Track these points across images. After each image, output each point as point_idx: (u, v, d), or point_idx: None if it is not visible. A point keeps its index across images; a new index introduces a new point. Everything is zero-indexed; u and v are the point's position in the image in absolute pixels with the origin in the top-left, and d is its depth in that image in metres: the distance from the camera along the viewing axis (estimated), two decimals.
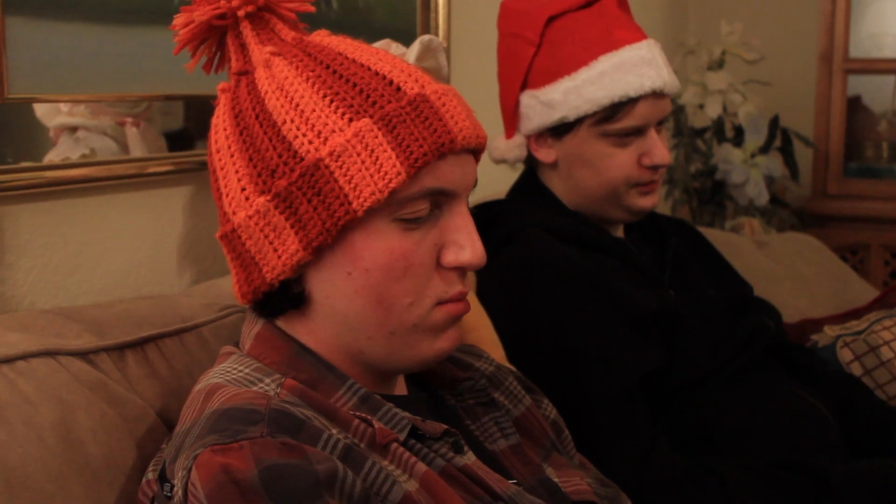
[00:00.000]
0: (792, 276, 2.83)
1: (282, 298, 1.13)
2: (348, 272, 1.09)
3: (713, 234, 2.65)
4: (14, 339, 1.20)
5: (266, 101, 1.11)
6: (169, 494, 1.05)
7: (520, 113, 1.88)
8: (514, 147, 1.89)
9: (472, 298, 1.74)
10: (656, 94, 1.80)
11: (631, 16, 1.90)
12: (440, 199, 1.11)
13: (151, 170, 1.60)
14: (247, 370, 1.12)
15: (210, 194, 1.19)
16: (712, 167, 3.39)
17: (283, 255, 1.08)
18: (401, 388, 1.23)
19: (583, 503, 1.26)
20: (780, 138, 3.51)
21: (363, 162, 1.05)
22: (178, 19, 1.17)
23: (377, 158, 1.05)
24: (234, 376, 1.11)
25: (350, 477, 0.99)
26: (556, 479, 1.27)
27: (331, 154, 1.06)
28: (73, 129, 1.51)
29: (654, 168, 1.84)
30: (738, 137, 3.42)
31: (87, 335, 1.26)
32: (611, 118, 1.79)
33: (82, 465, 1.14)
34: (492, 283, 1.79)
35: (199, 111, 1.70)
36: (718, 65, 3.44)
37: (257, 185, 1.09)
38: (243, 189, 1.10)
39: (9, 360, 1.16)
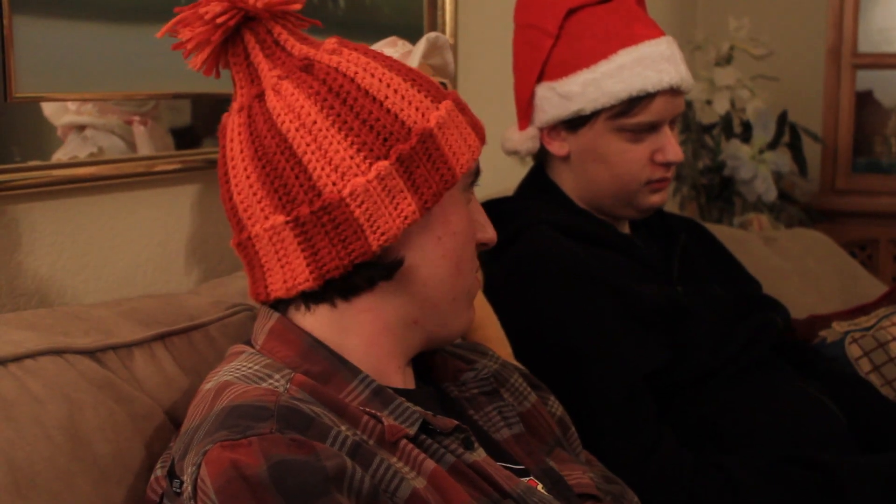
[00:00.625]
0: (800, 271, 2.83)
1: (377, 269, 1.15)
2: (439, 237, 1.17)
3: (721, 231, 2.65)
4: (22, 337, 1.20)
5: (358, 80, 1.14)
6: (178, 491, 1.05)
7: (534, 105, 1.87)
8: (527, 139, 1.89)
9: (479, 295, 1.74)
10: (673, 91, 1.81)
11: (647, 12, 1.90)
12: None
13: (159, 168, 1.61)
14: (256, 367, 1.13)
15: (218, 192, 1.19)
16: (720, 163, 3.39)
17: (398, 217, 1.12)
18: (410, 382, 1.24)
19: (584, 496, 1.27)
20: (788, 134, 3.51)
21: (459, 134, 1.18)
22: (184, 33, 1.16)
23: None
24: (243, 373, 1.12)
25: (359, 473, 1.00)
26: (558, 471, 1.27)
27: (437, 125, 1.15)
28: (80, 128, 1.51)
29: (667, 165, 1.84)
30: (747, 133, 3.42)
31: (95, 333, 1.27)
32: (627, 112, 1.79)
33: (90, 464, 1.14)
34: (498, 279, 1.79)
35: (206, 109, 1.71)
36: (726, 60, 3.43)
37: (372, 150, 1.12)
38: (352, 157, 1.12)
39: (17, 359, 1.17)
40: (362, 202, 1.11)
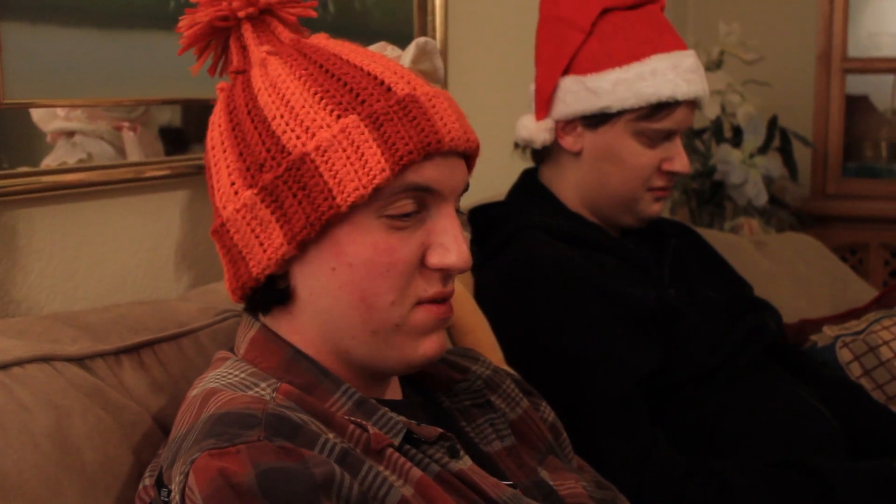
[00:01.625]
0: (791, 276, 2.83)
1: (268, 294, 1.14)
2: (332, 268, 1.10)
3: (712, 235, 2.65)
4: (9, 344, 1.20)
5: (258, 98, 1.12)
6: (166, 499, 1.05)
7: (556, 96, 1.88)
8: (543, 130, 1.89)
9: (470, 301, 1.74)
10: (693, 104, 1.85)
11: None
12: (426, 199, 1.11)
13: (148, 174, 1.60)
14: (242, 375, 1.12)
15: (208, 199, 1.19)
16: (711, 168, 3.39)
17: (269, 248, 1.09)
18: (395, 392, 1.23)
19: None
20: (778, 138, 3.51)
21: (348, 158, 1.06)
22: (183, 21, 1.19)
23: (363, 155, 1.06)
24: (229, 381, 1.11)
25: (347, 480, 0.99)
26: (550, 482, 1.27)
27: (317, 149, 1.07)
28: (69, 134, 1.50)
29: (672, 175, 1.87)
30: (737, 138, 3.42)
31: (83, 340, 1.26)
32: (651, 117, 1.82)
33: (78, 471, 1.13)
34: (491, 284, 1.79)
35: (196, 115, 1.70)
36: (717, 65, 3.44)
37: (245, 178, 1.10)
38: (233, 183, 1.11)
39: (4, 366, 1.16)
40: (238, 230, 1.12)
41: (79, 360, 1.24)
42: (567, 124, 1.87)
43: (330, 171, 1.06)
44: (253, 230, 1.10)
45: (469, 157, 1.16)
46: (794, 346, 2.21)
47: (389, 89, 1.10)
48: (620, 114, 1.82)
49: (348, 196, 1.06)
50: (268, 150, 1.09)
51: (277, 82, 1.12)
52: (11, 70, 1.37)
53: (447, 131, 1.09)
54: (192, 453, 1.00)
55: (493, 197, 1.99)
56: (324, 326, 1.13)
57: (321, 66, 1.12)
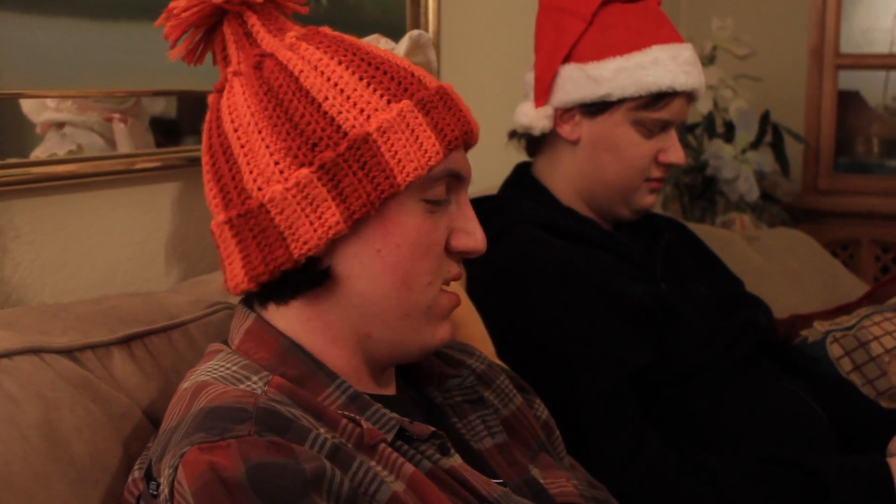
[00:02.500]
0: (782, 271, 2.83)
1: (303, 277, 1.12)
2: (378, 249, 1.12)
3: (703, 230, 2.65)
4: None
5: (301, 79, 1.12)
6: (155, 493, 1.04)
7: (556, 84, 1.88)
8: (542, 117, 1.89)
9: (462, 295, 1.74)
10: (689, 96, 1.87)
11: None
12: (453, 185, 1.17)
13: (139, 166, 1.59)
14: (234, 367, 1.11)
15: (199, 190, 1.18)
16: (703, 163, 3.40)
17: (320, 228, 1.09)
18: (389, 387, 1.23)
19: None
20: (770, 134, 3.51)
21: (406, 139, 1.10)
22: (179, 2, 1.17)
23: (418, 137, 1.11)
24: (221, 374, 1.10)
25: (338, 476, 0.99)
26: (541, 481, 1.26)
27: (378, 129, 1.09)
28: (59, 126, 1.50)
29: (667, 167, 1.88)
30: (729, 133, 3.42)
31: (73, 332, 1.25)
32: (650, 106, 1.83)
33: (67, 464, 1.12)
34: (482, 278, 1.78)
35: (188, 107, 1.70)
36: (709, 60, 3.44)
37: (296, 157, 1.09)
38: (276, 163, 1.10)
39: None
40: (282, 210, 1.09)
41: (68, 353, 1.23)
42: (566, 112, 1.88)
43: (390, 151, 1.09)
44: (303, 209, 1.09)
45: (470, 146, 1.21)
46: (784, 342, 2.21)
47: (422, 80, 1.14)
48: (620, 102, 1.83)
49: (407, 175, 1.10)
50: (322, 130, 1.10)
51: (319, 65, 1.13)
52: (1, 60, 1.36)
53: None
54: (182, 447, 0.99)
55: (486, 190, 1.98)
56: (353, 311, 1.14)
57: (355, 54, 1.14)
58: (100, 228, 1.55)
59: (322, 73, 1.12)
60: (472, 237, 1.18)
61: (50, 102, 1.47)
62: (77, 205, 1.51)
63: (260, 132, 1.12)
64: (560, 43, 1.88)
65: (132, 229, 1.60)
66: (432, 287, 1.15)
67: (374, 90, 1.11)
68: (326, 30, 1.19)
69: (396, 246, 1.12)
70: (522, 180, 1.95)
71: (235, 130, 1.13)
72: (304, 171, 1.09)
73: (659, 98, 1.82)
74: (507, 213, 1.84)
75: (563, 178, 1.91)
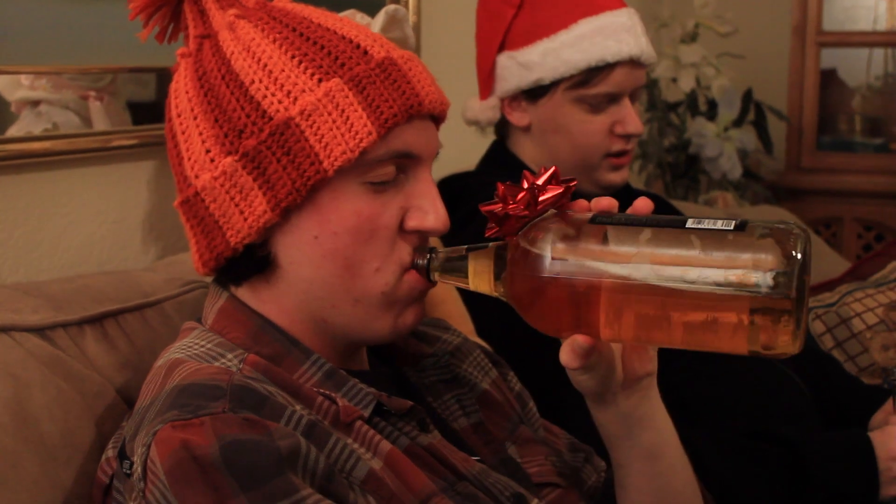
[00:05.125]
0: None
1: (246, 263, 1.11)
2: (315, 235, 1.08)
3: (686, 208, 2.65)
4: None
5: (232, 62, 1.10)
6: (128, 472, 1.03)
7: (496, 74, 1.87)
8: (487, 108, 1.89)
9: None
10: (633, 63, 1.81)
11: None
12: (405, 164, 1.11)
13: (115, 143, 1.58)
14: (209, 345, 1.10)
15: None
16: (686, 141, 3.40)
17: (250, 216, 1.07)
18: (363, 364, 1.22)
19: (543, 485, 1.25)
20: (753, 112, 3.52)
21: (334, 121, 1.05)
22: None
23: (348, 118, 1.05)
24: (195, 351, 1.09)
25: (313, 453, 0.98)
26: (518, 459, 1.26)
27: (301, 113, 1.05)
28: (35, 104, 1.48)
29: (627, 137, 1.84)
30: (712, 111, 3.43)
31: (44, 310, 1.24)
32: (586, 83, 1.79)
33: (37, 443, 1.12)
34: None
35: (166, 84, 1.68)
36: (692, 38, 3.43)
37: (223, 145, 1.07)
38: (208, 151, 1.08)
39: None
40: (214, 198, 1.09)
41: (39, 331, 1.22)
42: (513, 100, 1.87)
43: (315, 135, 1.05)
44: (232, 198, 1.07)
45: (438, 120, 1.16)
46: None
47: (366, 52, 1.09)
48: (555, 84, 1.81)
49: (335, 160, 1.05)
50: (247, 116, 1.07)
51: (251, 46, 1.10)
52: None
53: (426, 94, 1.09)
54: (155, 425, 0.98)
55: (465, 168, 1.98)
56: (303, 295, 1.11)
57: (294, 30, 1.10)
58: (75, 206, 1.53)
59: (253, 54, 1.09)
60: (428, 215, 1.12)
61: (24, 80, 1.46)
62: (51, 183, 1.50)
63: (195, 118, 1.11)
64: (494, 32, 1.87)
65: (108, 208, 1.59)
66: (382, 273, 1.10)
67: (306, 69, 1.07)
68: (285, 2, 1.17)
69: (333, 233, 1.08)
70: (499, 156, 1.94)
71: (179, 115, 1.13)
72: (230, 159, 1.07)
73: (594, 73, 1.79)
74: (484, 189, 1.82)
75: (530, 160, 1.90)
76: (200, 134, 1.09)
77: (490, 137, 1.98)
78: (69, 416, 1.16)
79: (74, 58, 1.51)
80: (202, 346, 1.10)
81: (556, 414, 1.50)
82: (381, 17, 1.52)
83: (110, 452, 1.12)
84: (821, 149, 3.88)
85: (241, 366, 1.07)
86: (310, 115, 1.05)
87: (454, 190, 1.83)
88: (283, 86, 1.06)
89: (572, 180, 1.08)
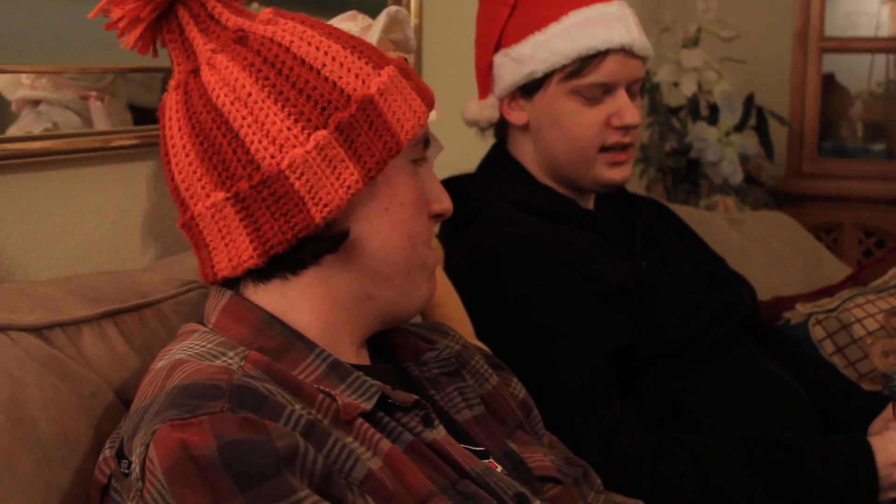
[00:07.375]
0: (765, 253, 2.83)
1: (323, 242, 1.12)
2: (386, 207, 1.15)
3: (686, 212, 2.65)
4: None
5: (293, 49, 1.12)
6: (126, 471, 1.03)
7: (493, 74, 1.88)
8: (485, 108, 1.89)
9: (440, 274, 1.73)
10: (626, 53, 1.81)
11: None
12: (423, 150, 1.21)
13: (115, 143, 1.58)
14: (210, 345, 1.11)
15: None
16: (687, 145, 3.39)
17: (340, 188, 1.10)
18: (364, 360, 1.22)
19: (544, 479, 1.25)
20: (754, 117, 3.51)
21: (400, 101, 1.15)
22: (115, 12, 1.14)
23: (406, 98, 1.15)
24: (196, 351, 1.10)
25: (311, 453, 0.98)
26: (519, 453, 1.26)
27: (378, 91, 1.13)
28: (35, 103, 1.48)
29: (625, 129, 1.83)
30: (713, 116, 3.42)
31: (42, 310, 1.24)
32: (579, 73, 1.80)
33: (33, 444, 1.11)
34: (459, 257, 1.78)
35: (166, 84, 1.67)
36: (694, 42, 3.43)
37: (310, 120, 1.10)
38: (289, 128, 1.10)
39: None
40: (302, 174, 1.09)
41: (36, 330, 1.21)
42: (511, 100, 1.88)
43: (390, 110, 1.13)
44: (323, 171, 1.09)
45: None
46: (766, 324, 2.20)
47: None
48: (548, 77, 1.82)
49: (407, 133, 1.14)
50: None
51: (305, 37, 1.13)
52: None
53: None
54: (154, 424, 0.98)
55: (466, 170, 1.97)
56: (360, 272, 1.16)
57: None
58: (74, 207, 1.53)
59: (310, 43, 1.12)
60: (443, 199, 1.23)
61: (25, 79, 1.46)
62: (52, 182, 1.50)
63: (263, 101, 1.10)
64: (490, 32, 1.88)
65: (107, 208, 1.59)
66: (428, 244, 1.21)
67: (360, 57, 1.13)
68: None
69: (401, 204, 1.16)
70: (499, 158, 1.95)
71: (233, 103, 1.11)
72: (322, 132, 1.09)
73: (585, 63, 1.79)
74: (483, 191, 1.83)
75: (530, 160, 1.90)
76: (275, 115, 1.10)
77: (490, 140, 1.99)
78: (66, 417, 1.16)
79: (75, 57, 1.51)
80: (203, 346, 1.10)
81: (552, 417, 1.50)
82: (382, 18, 1.52)
83: (108, 452, 1.11)
84: (822, 154, 3.87)
85: (242, 364, 1.07)
86: (384, 93, 1.13)
87: (454, 192, 1.83)
88: (350, 69, 1.13)
89: None
